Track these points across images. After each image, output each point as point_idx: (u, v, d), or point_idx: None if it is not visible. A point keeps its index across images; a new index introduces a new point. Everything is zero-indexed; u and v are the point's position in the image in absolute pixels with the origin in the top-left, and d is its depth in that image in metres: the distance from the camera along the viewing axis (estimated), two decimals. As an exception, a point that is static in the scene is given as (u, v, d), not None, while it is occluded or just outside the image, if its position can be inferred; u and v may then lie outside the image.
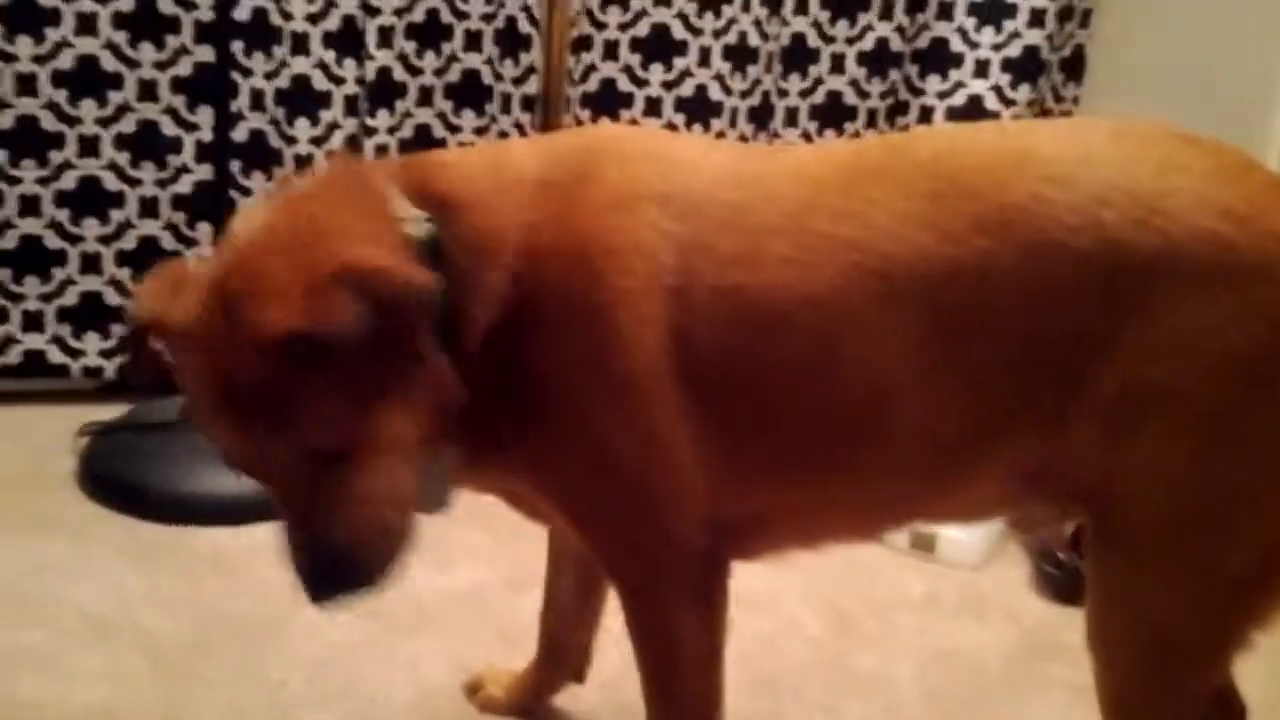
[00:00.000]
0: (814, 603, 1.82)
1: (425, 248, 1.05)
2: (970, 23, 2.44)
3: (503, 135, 2.37)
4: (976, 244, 1.03)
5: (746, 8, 2.35)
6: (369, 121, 2.28)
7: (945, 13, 2.46)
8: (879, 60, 2.49)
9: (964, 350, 1.05)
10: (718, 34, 2.37)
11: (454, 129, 2.39)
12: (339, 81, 2.23)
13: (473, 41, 2.33)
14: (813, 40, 2.46)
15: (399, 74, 2.30)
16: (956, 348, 1.05)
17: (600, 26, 2.35)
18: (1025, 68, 2.43)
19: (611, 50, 2.37)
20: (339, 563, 1.00)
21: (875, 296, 1.04)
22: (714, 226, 1.07)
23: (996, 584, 1.92)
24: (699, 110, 2.40)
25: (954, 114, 2.48)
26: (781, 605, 1.80)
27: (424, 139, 2.36)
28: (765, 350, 1.07)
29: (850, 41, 2.47)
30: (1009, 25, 2.41)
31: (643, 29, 2.36)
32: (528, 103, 2.34)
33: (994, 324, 1.04)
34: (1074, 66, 2.53)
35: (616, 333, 1.05)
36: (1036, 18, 2.40)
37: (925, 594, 1.88)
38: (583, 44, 2.35)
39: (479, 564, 1.83)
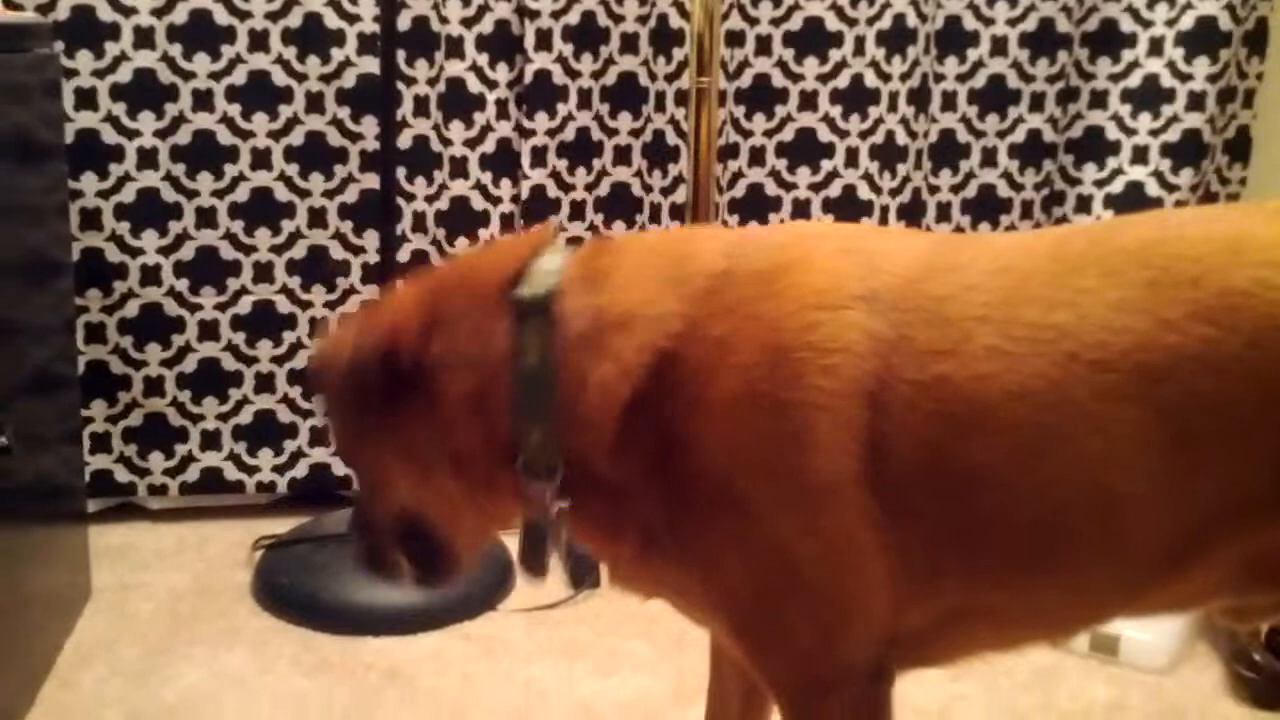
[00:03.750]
0: (993, 713, 1.74)
1: (526, 307, 1.09)
2: (1126, 110, 2.40)
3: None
4: (1198, 332, 0.98)
5: (894, 107, 2.36)
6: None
7: (1099, 101, 2.43)
8: (1032, 151, 2.47)
9: (1189, 440, 1.00)
10: (864, 134, 2.38)
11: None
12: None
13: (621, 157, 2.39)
14: (963, 135, 2.45)
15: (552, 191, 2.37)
16: (1182, 438, 0.99)
17: (746, 134, 2.38)
18: (1187, 152, 2.38)
19: (758, 156, 2.40)
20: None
21: (1092, 387, 0.99)
22: (915, 320, 1.03)
23: (1185, 688, 1.81)
24: (847, 210, 2.40)
25: (1113, 201, 2.44)
26: (955, 717, 1.73)
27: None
28: (971, 447, 1.02)
29: (1001, 135, 2.46)
30: (1167, 110, 2.38)
31: (788, 134, 2.39)
32: (676, 211, 2.38)
33: (1220, 412, 0.99)
34: (1239, 148, 2.46)
35: (810, 433, 1.01)
36: (1196, 101, 2.36)
37: (1110, 700, 1.78)
38: (729, 151, 2.39)
39: (642, 674, 1.82)
